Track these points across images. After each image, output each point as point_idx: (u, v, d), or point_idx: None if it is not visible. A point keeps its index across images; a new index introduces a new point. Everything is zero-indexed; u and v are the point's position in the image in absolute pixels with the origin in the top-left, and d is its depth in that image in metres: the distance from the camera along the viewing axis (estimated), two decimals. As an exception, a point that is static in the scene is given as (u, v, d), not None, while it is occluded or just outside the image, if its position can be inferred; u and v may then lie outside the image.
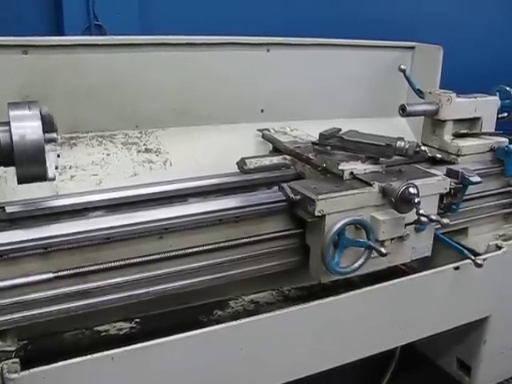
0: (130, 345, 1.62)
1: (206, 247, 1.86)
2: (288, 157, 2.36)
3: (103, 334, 2.11)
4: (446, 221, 2.01)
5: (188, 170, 2.36)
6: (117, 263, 1.74)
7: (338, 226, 1.81)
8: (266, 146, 2.64)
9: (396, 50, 3.08)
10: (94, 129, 2.38)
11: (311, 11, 3.94)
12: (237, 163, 2.37)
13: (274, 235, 1.98)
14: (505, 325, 2.55)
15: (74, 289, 1.69)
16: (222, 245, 1.88)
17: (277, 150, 2.51)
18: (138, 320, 2.16)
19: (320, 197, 1.83)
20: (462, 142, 2.47)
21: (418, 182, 2.00)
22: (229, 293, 2.32)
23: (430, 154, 2.08)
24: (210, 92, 2.58)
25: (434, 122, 2.52)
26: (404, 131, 3.21)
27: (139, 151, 2.43)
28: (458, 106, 2.46)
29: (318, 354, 2.01)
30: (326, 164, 2.09)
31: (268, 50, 2.67)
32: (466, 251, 2.17)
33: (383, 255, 1.89)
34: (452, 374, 2.74)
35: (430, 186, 2.06)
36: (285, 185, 1.97)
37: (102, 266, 1.72)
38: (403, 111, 2.37)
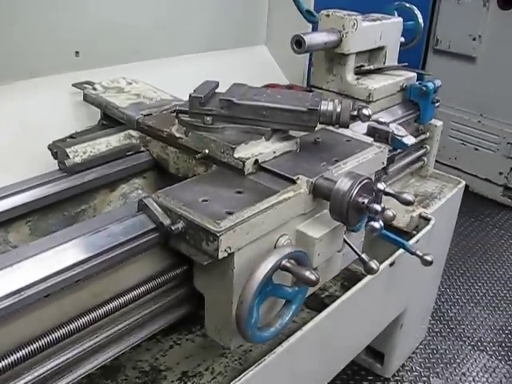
0: None
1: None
2: (134, 132, 1.46)
3: None
4: (391, 213, 1.36)
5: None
6: None
7: (266, 270, 1.02)
8: (89, 112, 1.69)
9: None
10: None
11: None
12: (50, 149, 1.41)
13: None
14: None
15: None
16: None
17: (109, 118, 1.58)
18: None
19: (223, 225, 1.02)
20: (371, 83, 1.80)
21: (351, 162, 1.31)
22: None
23: (373, 119, 1.36)
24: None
25: (332, 56, 1.79)
26: (267, 63, 2.49)
27: None
28: (364, 33, 1.75)
29: None
30: (208, 149, 1.25)
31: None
32: (406, 245, 1.56)
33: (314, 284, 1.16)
34: (362, 364, 2.31)
35: (367, 164, 1.36)
36: (150, 200, 1.11)
37: None
38: (299, 46, 1.59)
